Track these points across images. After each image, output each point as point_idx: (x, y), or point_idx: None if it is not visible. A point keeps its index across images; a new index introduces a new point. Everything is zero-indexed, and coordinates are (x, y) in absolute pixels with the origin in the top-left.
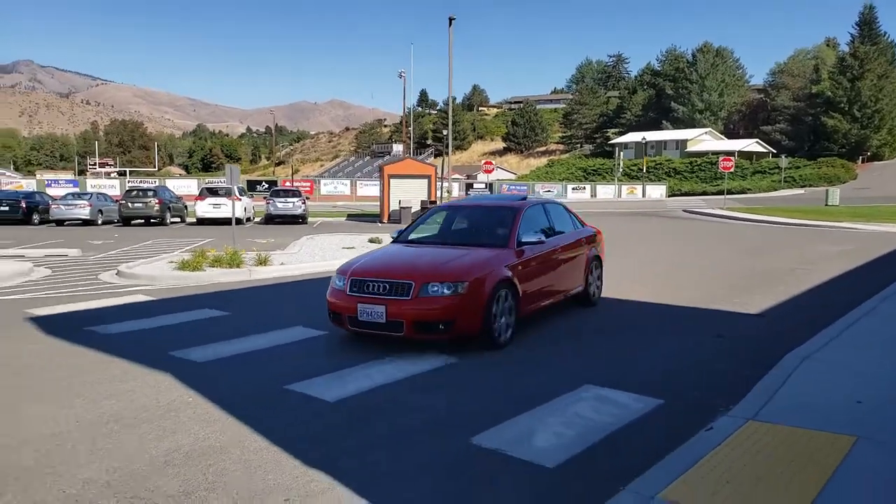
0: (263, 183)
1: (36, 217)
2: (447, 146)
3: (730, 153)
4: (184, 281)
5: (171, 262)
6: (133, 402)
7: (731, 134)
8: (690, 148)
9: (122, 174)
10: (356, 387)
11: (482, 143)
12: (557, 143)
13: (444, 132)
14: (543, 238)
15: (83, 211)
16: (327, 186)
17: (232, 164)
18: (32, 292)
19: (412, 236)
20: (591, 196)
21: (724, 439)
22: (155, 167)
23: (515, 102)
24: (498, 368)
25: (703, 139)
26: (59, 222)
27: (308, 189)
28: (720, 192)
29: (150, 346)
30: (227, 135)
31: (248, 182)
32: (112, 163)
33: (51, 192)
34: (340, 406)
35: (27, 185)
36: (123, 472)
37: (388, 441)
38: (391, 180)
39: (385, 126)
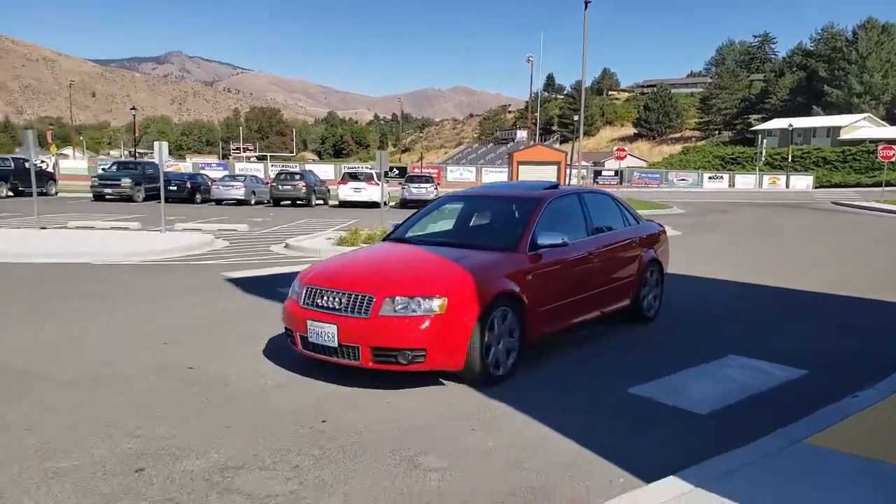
0: (394, 169)
1: (198, 196)
2: (576, 132)
3: (892, 141)
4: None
5: (329, 238)
6: None
7: (894, 120)
8: (844, 135)
9: (261, 158)
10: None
11: (611, 128)
12: (693, 129)
13: (575, 118)
14: (567, 239)
15: (238, 192)
16: (453, 173)
17: (382, 150)
18: (220, 259)
19: (410, 233)
20: (730, 185)
21: (870, 405)
22: (293, 152)
23: (648, 86)
24: (643, 336)
25: (860, 126)
26: (218, 201)
27: (436, 175)
28: (877, 184)
29: None
30: (357, 122)
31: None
32: (252, 148)
33: (205, 174)
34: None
35: (183, 167)
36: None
37: (562, 385)
38: (520, 167)
39: (509, 112)
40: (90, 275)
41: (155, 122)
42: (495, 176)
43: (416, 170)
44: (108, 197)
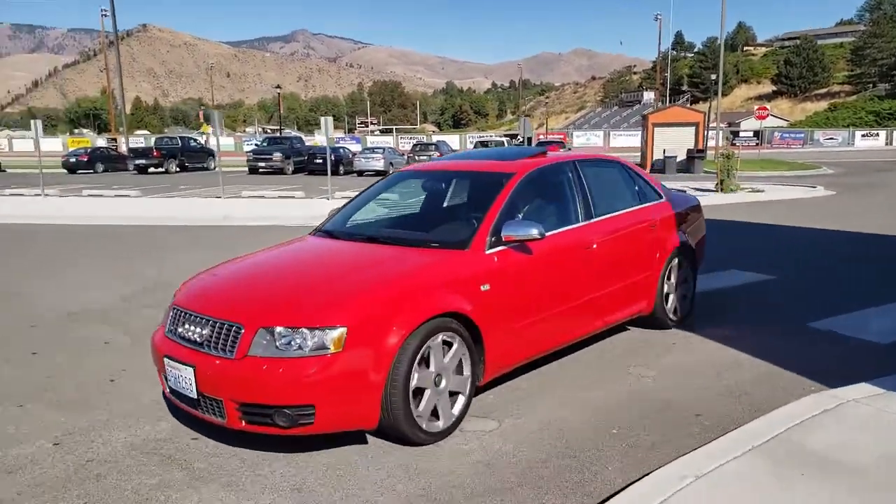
0: (518, 137)
1: (341, 168)
2: (713, 91)
3: None
4: None
5: None
6: None
7: None
8: None
9: (384, 132)
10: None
11: (746, 87)
12: (842, 83)
13: (712, 77)
14: (542, 231)
15: (378, 163)
16: (580, 138)
17: (525, 117)
18: None
19: (350, 222)
20: (887, 143)
21: None
22: (416, 125)
23: (789, 39)
24: (815, 280)
25: None
26: (360, 173)
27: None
28: None
29: None
30: (474, 91)
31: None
32: (375, 121)
33: (345, 147)
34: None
35: (320, 142)
36: None
37: (743, 324)
38: (655, 129)
39: (634, 73)
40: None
41: (285, 99)
42: (625, 140)
43: (541, 136)
44: (261, 170)
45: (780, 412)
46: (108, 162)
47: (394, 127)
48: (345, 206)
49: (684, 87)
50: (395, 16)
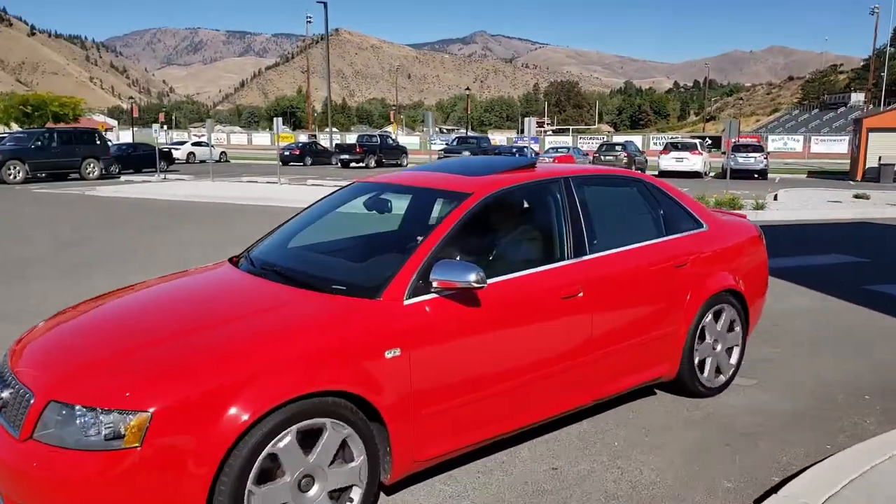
0: (707, 139)
1: None
2: None
3: None
4: None
5: None
6: None
7: None
8: None
9: (556, 132)
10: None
11: None
12: None
13: None
14: (475, 278)
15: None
16: (776, 142)
17: (733, 119)
18: None
19: (291, 244)
20: None
21: None
22: (593, 125)
23: None
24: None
25: None
26: None
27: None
28: None
29: None
30: (654, 90)
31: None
32: (549, 121)
33: (528, 146)
34: None
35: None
36: None
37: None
38: (869, 134)
39: (841, 73)
40: None
41: (462, 100)
42: (827, 145)
43: (742, 139)
44: None
45: None
46: (315, 156)
47: (570, 127)
48: (281, 225)
49: None
50: (575, 16)
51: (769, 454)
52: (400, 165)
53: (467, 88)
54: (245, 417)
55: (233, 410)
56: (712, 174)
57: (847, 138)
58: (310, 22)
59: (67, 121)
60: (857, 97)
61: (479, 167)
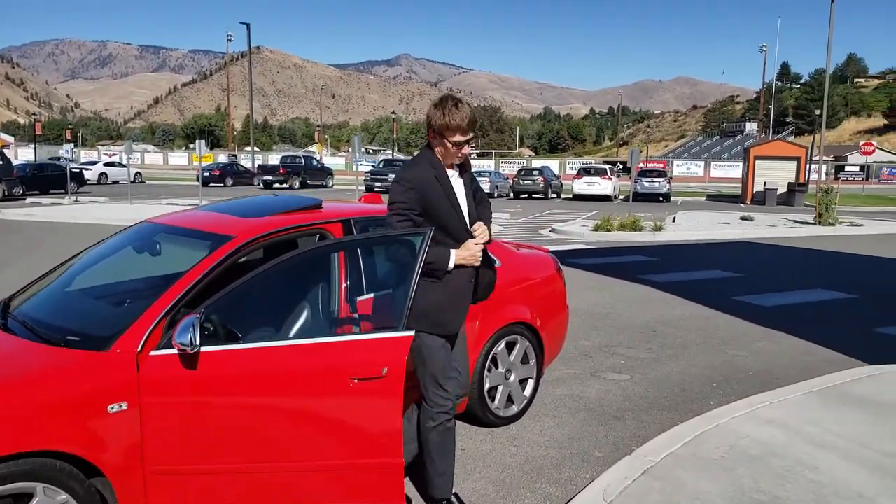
0: (617, 164)
1: None
2: (819, 124)
3: None
4: (604, 238)
5: (584, 225)
6: (635, 293)
7: None
8: None
9: (480, 155)
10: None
11: (856, 119)
12: None
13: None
14: (187, 340)
15: (485, 186)
16: (680, 167)
17: (635, 148)
18: (505, 239)
19: (71, 287)
20: None
21: None
22: (514, 149)
23: None
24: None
25: None
26: None
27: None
28: None
29: (618, 271)
30: (572, 116)
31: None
32: (473, 145)
33: None
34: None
35: None
36: (633, 331)
37: (816, 323)
38: (756, 162)
39: (737, 103)
40: None
41: (387, 121)
42: (725, 170)
43: (648, 164)
44: (376, 189)
45: (835, 375)
46: (236, 177)
47: (493, 151)
48: (63, 263)
49: (789, 119)
50: (497, 42)
51: (633, 431)
52: (325, 187)
53: (393, 112)
54: None
55: None
56: (621, 197)
57: (741, 164)
58: (230, 41)
59: None
60: (752, 126)
61: (262, 207)
